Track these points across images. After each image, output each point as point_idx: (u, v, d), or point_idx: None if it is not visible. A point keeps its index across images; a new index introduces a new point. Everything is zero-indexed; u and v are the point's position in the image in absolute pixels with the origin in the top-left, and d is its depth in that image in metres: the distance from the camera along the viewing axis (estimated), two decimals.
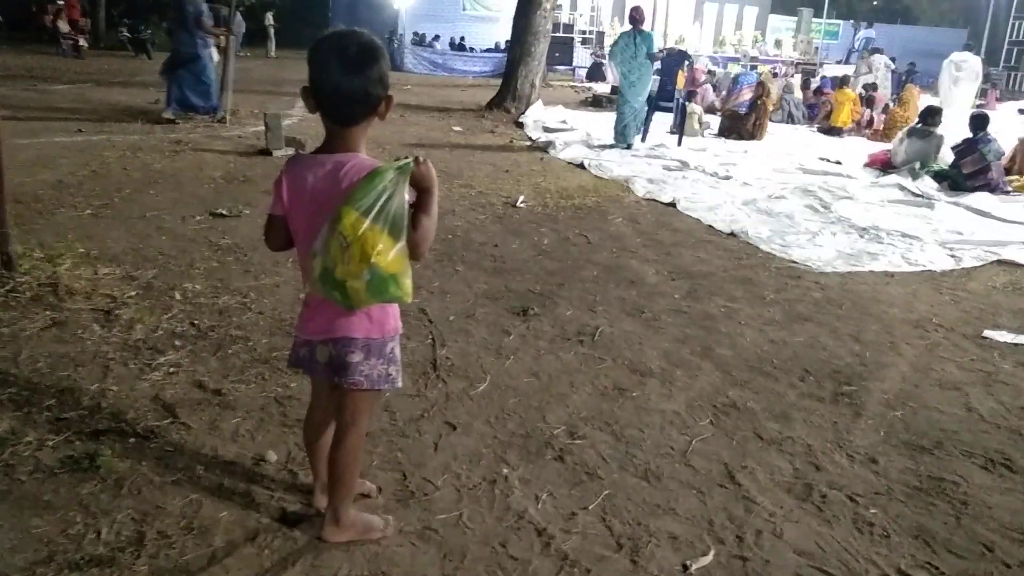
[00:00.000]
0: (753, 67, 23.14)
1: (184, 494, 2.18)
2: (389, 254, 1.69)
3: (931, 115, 8.97)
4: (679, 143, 10.29)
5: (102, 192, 5.65)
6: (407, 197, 1.72)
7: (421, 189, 1.80)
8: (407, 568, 1.96)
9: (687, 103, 11.76)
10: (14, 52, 19.01)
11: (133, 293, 3.70)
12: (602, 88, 18.23)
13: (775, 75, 20.02)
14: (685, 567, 2.03)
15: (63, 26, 19.29)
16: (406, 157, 1.73)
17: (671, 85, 11.37)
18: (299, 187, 1.83)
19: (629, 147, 9.76)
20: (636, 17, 9.61)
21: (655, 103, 10.45)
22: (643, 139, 10.26)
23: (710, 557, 2.07)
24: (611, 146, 9.84)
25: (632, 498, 2.32)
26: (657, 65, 10.15)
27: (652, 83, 10.06)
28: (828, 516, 2.29)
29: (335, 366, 1.91)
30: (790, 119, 14.02)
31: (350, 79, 1.75)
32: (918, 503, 2.38)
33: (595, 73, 22.48)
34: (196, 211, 5.29)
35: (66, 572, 1.86)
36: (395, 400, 2.80)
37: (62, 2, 19.53)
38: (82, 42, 19.41)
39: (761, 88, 11.75)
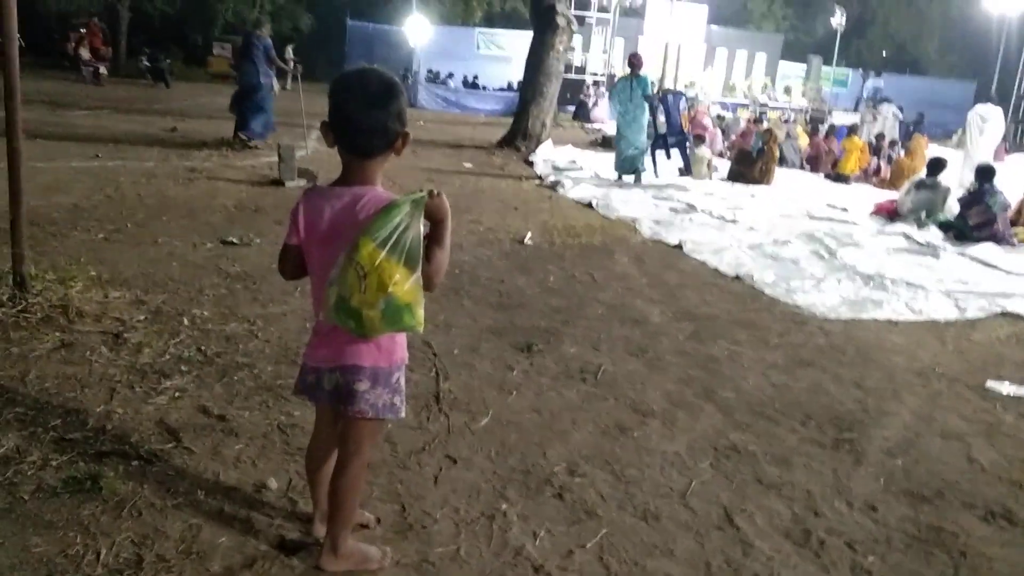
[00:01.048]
0: (763, 113, 23.39)
1: (184, 518, 2.20)
2: (405, 284, 1.74)
3: (937, 166, 9.04)
4: (687, 173, 11.32)
5: (116, 217, 5.73)
6: (422, 229, 1.77)
7: (435, 221, 1.85)
8: None
9: (697, 147, 11.93)
10: (35, 77, 19.33)
11: (142, 317, 3.74)
12: (589, 126, 18.71)
13: (785, 122, 20.24)
14: None
15: (84, 53, 19.65)
16: (421, 191, 1.78)
17: (678, 123, 12.00)
18: (316, 218, 1.88)
19: (637, 179, 10.34)
20: (634, 62, 10.45)
21: (664, 140, 11.45)
22: (656, 174, 10.86)
23: None
24: (618, 181, 10.33)
25: (630, 538, 2.32)
26: (660, 106, 11.13)
27: (658, 123, 11.07)
28: (826, 562, 2.29)
29: (341, 394, 1.94)
30: (782, 163, 14.01)
31: (370, 113, 1.82)
32: (916, 553, 2.38)
33: (580, 112, 22.82)
34: (207, 239, 5.36)
35: None
36: (397, 432, 2.82)
37: (84, 30, 19.91)
38: (102, 69, 19.76)
39: (768, 134, 11.88)
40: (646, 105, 10.31)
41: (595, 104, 23.24)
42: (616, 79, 11.55)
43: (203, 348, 3.45)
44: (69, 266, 4.27)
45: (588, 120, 22.12)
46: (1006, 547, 2.45)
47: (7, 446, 2.46)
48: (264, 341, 3.62)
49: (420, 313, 1.82)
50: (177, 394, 2.97)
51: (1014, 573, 2.31)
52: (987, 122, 18.03)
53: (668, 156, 11.83)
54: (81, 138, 9.65)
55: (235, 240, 5.35)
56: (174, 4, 28.53)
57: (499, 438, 2.89)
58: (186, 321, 3.76)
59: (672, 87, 16.61)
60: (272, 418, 2.86)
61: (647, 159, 10.77)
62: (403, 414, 2.04)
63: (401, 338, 1.98)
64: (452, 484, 2.53)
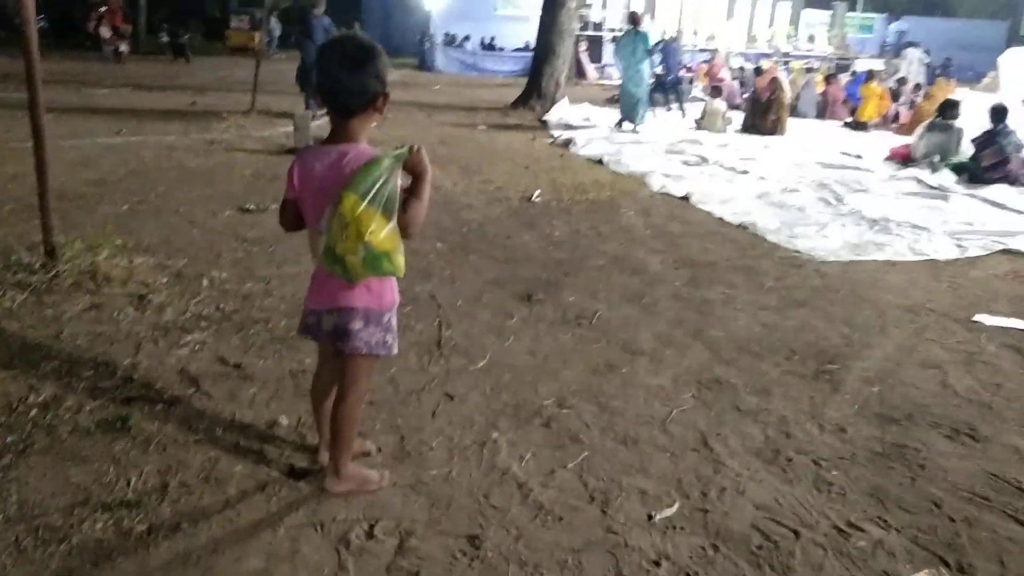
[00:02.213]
0: (786, 63, 23.04)
1: (204, 452, 2.44)
2: (381, 233, 1.94)
3: (949, 108, 8.99)
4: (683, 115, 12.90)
5: (139, 189, 5.99)
6: (400, 182, 1.96)
7: (415, 175, 2.04)
8: (397, 514, 2.19)
9: (712, 100, 11.95)
10: (58, 57, 19.69)
11: (164, 280, 4.00)
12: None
13: (808, 70, 19.96)
14: (650, 517, 2.23)
15: (105, 32, 19.93)
16: (402, 146, 1.97)
17: (675, 68, 13.84)
18: (308, 174, 2.08)
19: (635, 129, 11.14)
20: (634, 19, 11.41)
21: (661, 84, 13.21)
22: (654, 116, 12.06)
23: (674, 509, 2.27)
24: (619, 126, 11.32)
25: (609, 459, 2.53)
26: (658, 58, 12.49)
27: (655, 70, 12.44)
28: (791, 477, 2.48)
29: (338, 333, 2.15)
30: (797, 113, 13.89)
31: (349, 75, 2.00)
32: (878, 466, 2.56)
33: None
34: (226, 206, 5.60)
35: (99, 512, 2.12)
36: (399, 374, 3.04)
37: (104, 8, 20.17)
38: (123, 47, 20.03)
39: (775, 83, 11.82)
40: (647, 58, 11.12)
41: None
42: (621, 35, 12.39)
43: (221, 306, 3.70)
44: (96, 236, 4.53)
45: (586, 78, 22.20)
46: (963, 460, 2.61)
47: (46, 394, 2.73)
48: (279, 298, 3.85)
49: (399, 259, 2.01)
50: (197, 347, 3.22)
51: (967, 482, 2.48)
52: (1018, 66, 18.02)
53: (668, 99, 13.53)
54: (104, 115, 9.94)
55: (252, 207, 5.59)
56: None
57: (495, 377, 3.10)
58: (206, 282, 4.00)
59: (669, 37, 16.92)
60: (284, 366, 3.10)
61: (643, 108, 11.45)
62: (395, 351, 2.24)
63: (391, 283, 2.18)
64: (448, 417, 2.75)
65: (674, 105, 13.67)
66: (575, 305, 4.00)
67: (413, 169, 2.02)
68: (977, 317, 4.05)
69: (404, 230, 2.02)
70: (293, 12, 27.90)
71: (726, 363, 3.35)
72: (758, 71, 13.45)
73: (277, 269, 4.30)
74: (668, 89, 13.76)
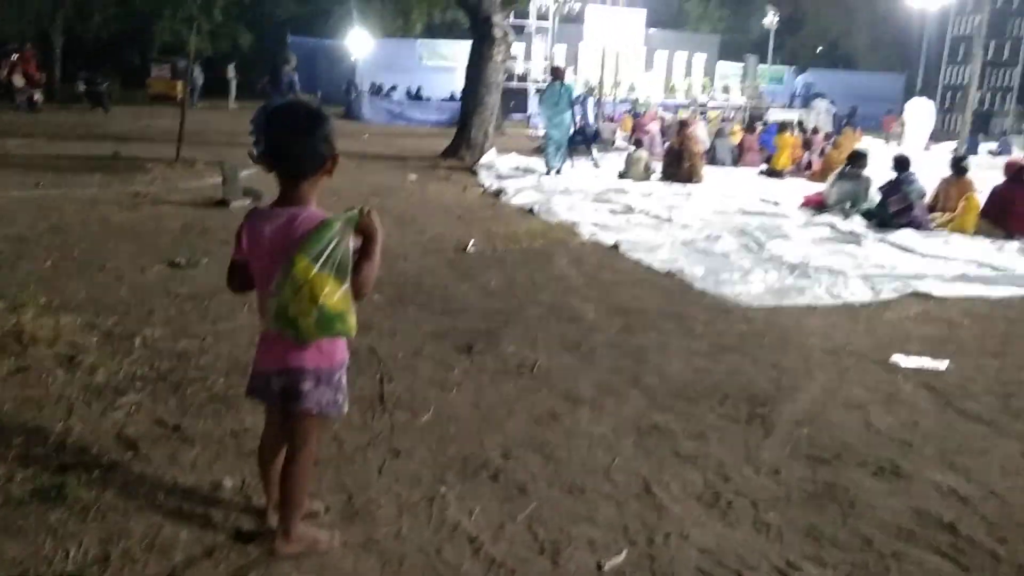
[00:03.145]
0: (703, 112, 24.04)
1: (146, 518, 2.38)
2: (335, 295, 1.98)
3: (858, 158, 9.55)
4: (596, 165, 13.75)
5: (62, 245, 5.83)
6: (352, 244, 2.00)
7: (366, 237, 2.08)
8: (349, 574, 2.18)
9: (635, 150, 12.40)
10: None
11: (94, 340, 3.89)
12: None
13: (723, 120, 20.89)
14: (599, 566, 2.28)
15: (18, 80, 19.36)
16: (353, 208, 2.02)
17: (588, 120, 15.74)
18: (257, 237, 2.10)
19: (558, 172, 12.01)
20: (557, 73, 12.65)
21: (579, 134, 14.03)
22: (564, 168, 12.41)
23: (622, 556, 2.33)
24: (548, 174, 11.93)
25: (557, 509, 2.57)
26: (579, 109, 13.77)
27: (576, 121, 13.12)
28: (731, 520, 2.57)
29: (288, 394, 2.15)
30: (715, 161, 14.53)
31: (300, 141, 2.05)
32: (811, 506, 2.68)
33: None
34: (155, 261, 5.49)
35: None
36: (343, 431, 3.03)
37: (17, 57, 19.61)
38: (37, 96, 19.49)
39: (681, 135, 12.39)
40: (569, 109, 12.10)
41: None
42: (544, 87, 13.79)
43: (156, 365, 3.62)
44: (19, 295, 4.39)
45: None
46: (890, 497, 2.76)
47: None
48: (215, 356, 3.79)
49: (351, 320, 2.05)
50: (133, 409, 3.14)
51: (894, 518, 2.61)
52: (920, 115, 19.84)
53: (588, 149, 14.46)
54: (20, 167, 9.64)
55: (182, 261, 5.49)
56: (109, 27, 28.19)
57: (439, 431, 3.12)
58: (138, 341, 3.91)
59: (587, 91, 17.99)
60: (225, 426, 3.05)
61: (563, 155, 12.43)
62: (345, 410, 2.26)
63: (341, 342, 2.20)
64: (395, 474, 2.76)
65: (592, 156, 14.41)
66: (515, 355, 4.06)
67: (364, 231, 2.07)
68: (893, 358, 4.28)
69: (356, 291, 2.06)
70: (216, 61, 27.70)
71: (663, 409, 3.45)
72: (683, 124, 14.04)
73: (212, 326, 4.24)
74: (587, 140, 14.75)
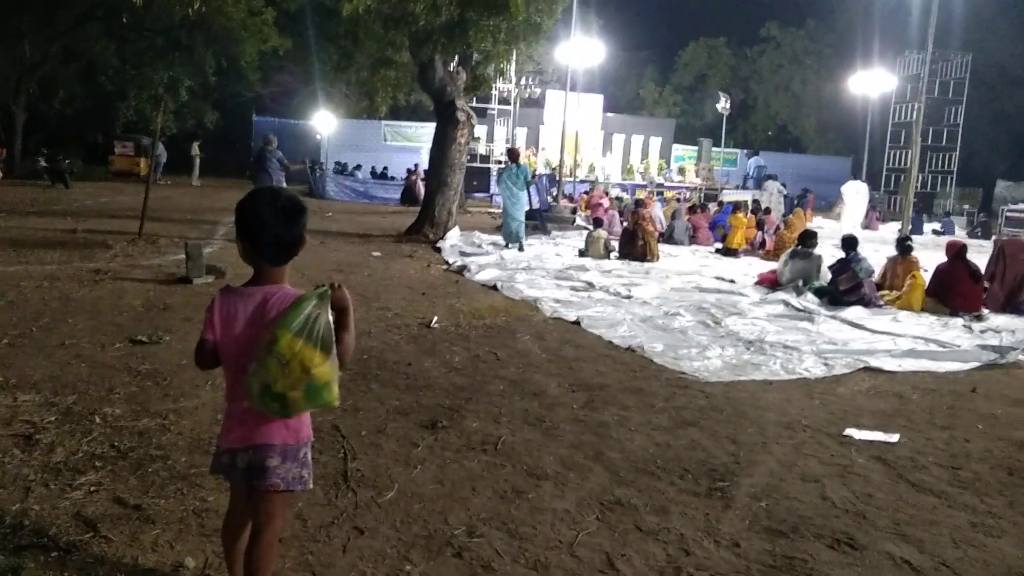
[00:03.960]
0: (659, 193, 24.74)
1: None
2: (323, 366, 2.04)
3: (809, 238, 9.92)
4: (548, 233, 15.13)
5: (19, 322, 5.76)
6: (330, 317, 2.07)
7: (339, 310, 2.15)
8: None
9: (594, 229, 12.72)
10: None
11: (53, 419, 3.84)
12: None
13: (678, 201, 21.50)
14: None
15: None
16: (323, 285, 2.09)
17: (544, 199, 16.82)
18: (231, 315, 2.17)
19: (521, 247, 12.59)
20: (513, 155, 13.89)
21: (535, 212, 15.03)
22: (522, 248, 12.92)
23: None
24: (506, 247, 12.57)
25: None
26: (533, 190, 14.70)
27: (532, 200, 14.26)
28: None
29: (254, 470, 2.17)
30: (672, 241, 14.96)
31: (286, 228, 2.16)
32: None
33: (407, 196, 22.79)
34: (115, 339, 5.45)
35: None
36: (307, 509, 3.03)
37: None
38: None
39: (636, 216, 12.79)
40: (525, 188, 13.06)
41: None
42: (502, 169, 15.15)
43: (116, 444, 3.58)
44: None
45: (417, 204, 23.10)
46: (846, 568, 2.83)
47: None
48: (177, 434, 3.77)
49: (336, 389, 2.11)
50: (93, 488, 3.10)
51: None
52: (859, 193, 20.94)
53: (543, 227, 15.37)
54: None
55: (144, 339, 5.46)
56: (72, 104, 28.28)
57: (404, 508, 3.13)
58: (98, 419, 3.87)
59: (536, 174, 19.32)
60: (187, 504, 3.03)
61: (523, 231, 13.08)
62: (311, 485, 2.28)
63: (306, 418, 2.25)
64: (360, 552, 2.76)
65: (546, 229, 15.40)
66: (479, 431, 4.10)
67: (337, 304, 2.14)
68: (847, 431, 4.41)
69: (340, 361, 2.11)
70: (180, 138, 27.88)
71: (626, 484, 3.50)
72: (639, 203, 14.59)
73: (174, 403, 4.21)
74: (538, 218, 15.59)
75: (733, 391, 5.20)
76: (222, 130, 30.70)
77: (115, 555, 2.61)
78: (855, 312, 8.28)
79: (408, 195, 22.71)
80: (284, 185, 12.16)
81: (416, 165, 24.86)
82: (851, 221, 21.08)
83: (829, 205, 27.48)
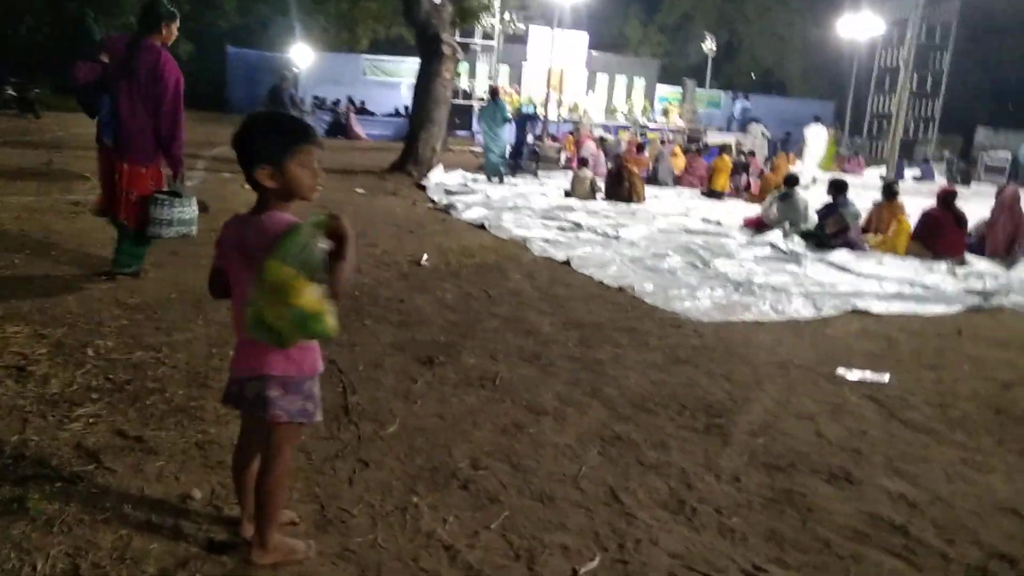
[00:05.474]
0: (643, 134, 24.54)
1: (114, 530, 2.34)
2: (310, 296, 1.98)
3: (792, 181, 9.92)
4: (536, 175, 15.53)
5: (2, 254, 5.62)
6: (323, 246, 2.00)
7: (338, 239, 2.07)
8: None
9: (579, 169, 12.62)
10: None
11: (44, 351, 3.78)
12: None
13: (662, 142, 21.36)
14: (575, 572, 2.33)
15: None
16: (320, 213, 2.02)
17: (523, 138, 16.75)
18: (231, 241, 2.12)
19: (501, 179, 13.61)
20: (494, 92, 14.84)
21: (516, 150, 15.81)
22: (513, 175, 14.51)
23: (596, 562, 2.38)
24: (489, 181, 13.47)
25: (529, 517, 2.61)
26: (512, 126, 15.47)
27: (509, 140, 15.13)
28: (697, 525, 2.65)
29: (257, 401, 2.15)
30: (655, 182, 14.95)
31: (251, 138, 2.13)
32: (772, 512, 2.78)
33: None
34: (101, 271, 5.34)
35: None
36: (311, 442, 3.02)
37: None
38: None
39: (619, 159, 12.77)
40: (504, 124, 13.95)
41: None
42: (482, 106, 16.50)
43: (111, 377, 3.53)
44: None
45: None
46: (844, 502, 2.88)
47: None
48: (172, 367, 3.72)
49: (330, 321, 2.05)
50: (91, 420, 3.07)
51: (849, 521, 2.74)
52: (815, 138, 21.50)
53: (527, 167, 15.94)
54: None
55: (128, 271, 5.36)
56: (41, 31, 27.28)
57: (407, 442, 3.13)
58: (90, 352, 3.81)
59: (517, 113, 19.17)
60: (188, 437, 3.00)
61: (504, 166, 14.14)
62: (317, 418, 2.25)
63: (312, 350, 2.21)
64: (366, 484, 2.76)
65: (528, 173, 15.70)
66: (476, 367, 4.10)
67: (335, 233, 2.06)
68: (838, 371, 4.47)
69: (332, 291, 2.05)
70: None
71: (624, 420, 3.53)
72: (632, 149, 14.84)
73: (167, 336, 4.15)
74: (521, 157, 16.18)
75: (725, 331, 5.23)
76: (198, 62, 29.76)
77: (120, 486, 2.59)
78: (841, 255, 8.33)
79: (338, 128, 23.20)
80: None
81: (348, 97, 25.01)
82: (812, 162, 21.34)
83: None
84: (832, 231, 8.89)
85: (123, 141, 4.95)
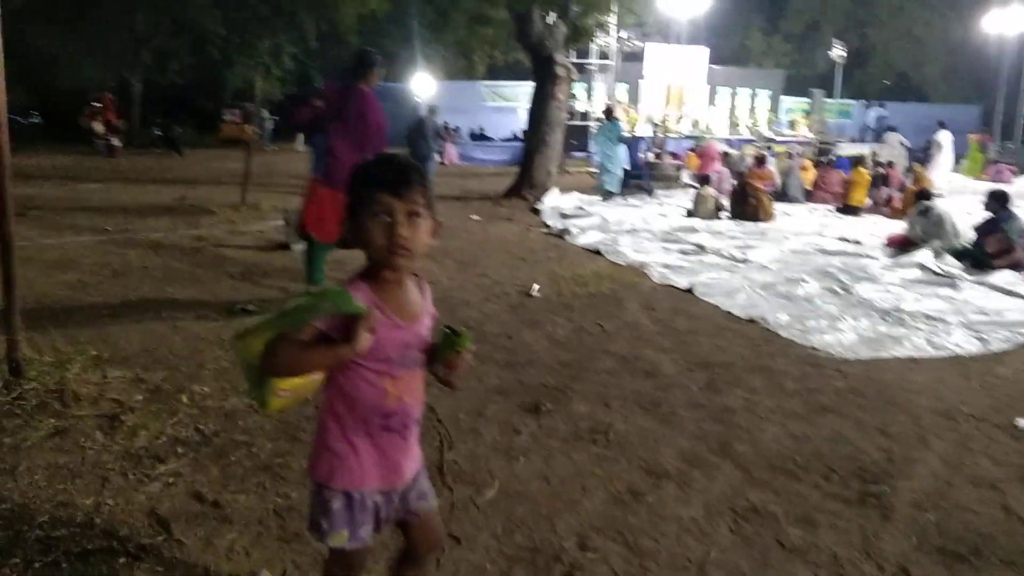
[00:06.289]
0: (768, 148, 23.38)
1: None
2: (254, 345, 1.66)
3: (925, 196, 8.98)
4: (651, 194, 14.85)
5: (121, 292, 5.71)
6: (318, 324, 1.59)
7: (345, 337, 1.61)
8: None
9: (701, 187, 11.99)
10: (51, 152, 19.77)
11: (140, 397, 3.66)
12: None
13: (789, 156, 20.22)
14: None
15: (97, 127, 20.04)
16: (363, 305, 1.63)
17: (638, 160, 16.73)
18: None
19: (611, 196, 13.52)
20: (608, 112, 14.92)
21: (627, 174, 15.03)
22: (623, 195, 14.10)
23: None
24: (604, 199, 13.29)
25: None
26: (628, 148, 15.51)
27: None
28: None
29: None
30: (785, 198, 13.96)
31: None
32: None
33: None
34: (212, 309, 5.31)
35: None
36: None
37: (98, 104, 20.31)
38: (115, 142, 20.12)
39: (742, 177, 11.97)
40: (619, 144, 13.96)
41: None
42: (598, 126, 16.27)
43: (201, 427, 3.36)
44: (67, 347, 4.22)
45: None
46: None
47: None
48: (264, 416, 3.52)
49: (273, 399, 1.75)
50: (171, 480, 2.87)
51: None
52: (948, 146, 19.84)
53: (643, 188, 15.14)
54: (92, 211, 9.74)
55: (240, 308, 5.30)
56: (184, 75, 29.18)
57: (505, 512, 2.75)
58: (185, 399, 3.67)
59: (631, 135, 19.10)
60: (268, 501, 2.75)
61: (619, 184, 14.06)
62: (329, 542, 1.72)
63: (328, 450, 1.72)
64: (455, 567, 2.40)
65: (645, 194, 14.95)
66: (587, 416, 3.68)
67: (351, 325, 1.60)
68: (1019, 422, 3.76)
69: (265, 361, 1.63)
70: (284, 104, 28.33)
71: (760, 485, 3.02)
72: (761, 161, 14.16)
73: None
74: (636, 178, 15.54)
75: (874, 370, 4.58)
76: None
77: (186, 562, 2.35)
78: (1006, 277, 7.36)
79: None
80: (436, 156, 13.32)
81: (444, 123, 24.69)
82: (942, 172, 19.67)
83: (956, 157, 25.37)
84: (994, 250, 7.89)
85: (333, 172, 5.33)
